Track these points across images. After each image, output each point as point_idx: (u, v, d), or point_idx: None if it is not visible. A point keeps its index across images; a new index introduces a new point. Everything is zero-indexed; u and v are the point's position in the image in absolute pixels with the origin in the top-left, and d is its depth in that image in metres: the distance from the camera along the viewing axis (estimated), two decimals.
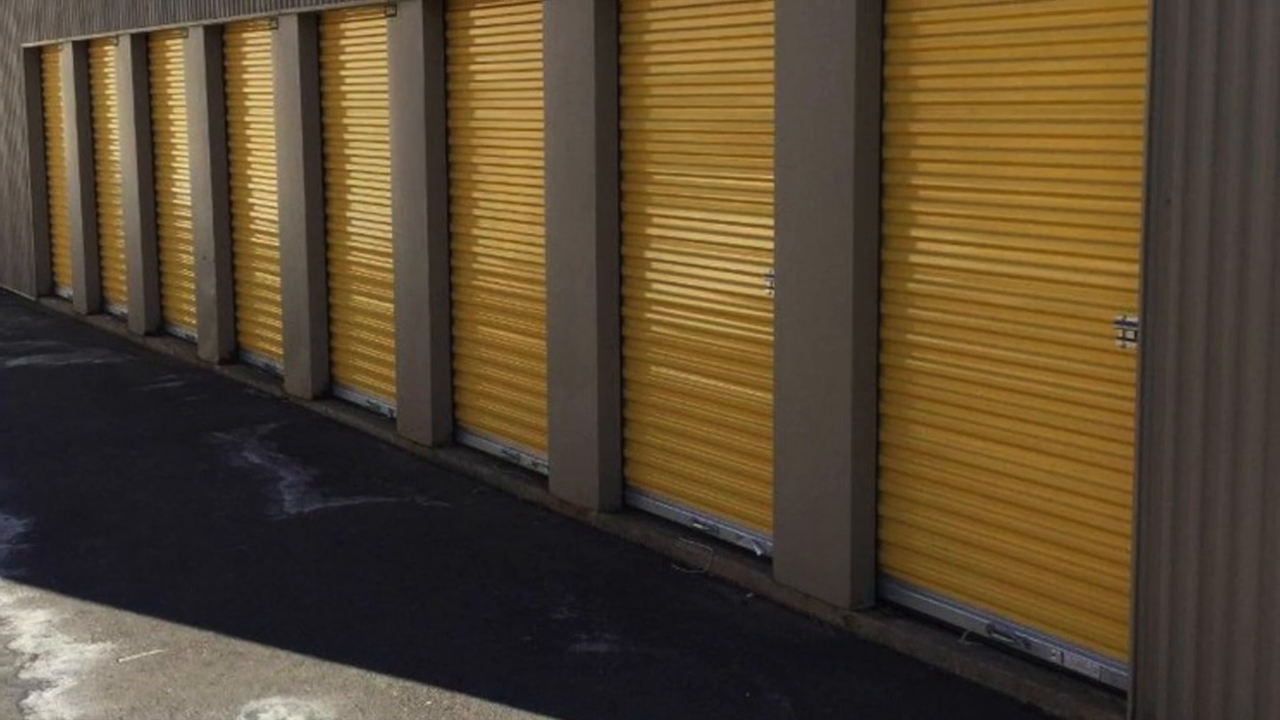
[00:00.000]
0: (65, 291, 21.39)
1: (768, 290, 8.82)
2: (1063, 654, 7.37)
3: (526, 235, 11.05)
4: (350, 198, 13.56)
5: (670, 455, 9.86)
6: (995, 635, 7.70)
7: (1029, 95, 7.29)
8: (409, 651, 7.99)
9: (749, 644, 8.08)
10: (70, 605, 8.70)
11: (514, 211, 11.20)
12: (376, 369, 13.40)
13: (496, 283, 11.49)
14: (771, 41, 8.54)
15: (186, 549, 9.79)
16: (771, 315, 8.74)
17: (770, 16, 8.57)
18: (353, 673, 7.71)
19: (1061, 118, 7.13)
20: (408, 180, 12.12)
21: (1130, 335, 6.85)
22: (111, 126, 18.95)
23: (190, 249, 16.97)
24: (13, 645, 8.10)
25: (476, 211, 11.66)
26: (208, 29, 15.59)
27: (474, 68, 11.53)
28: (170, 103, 17.23)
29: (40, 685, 7.59)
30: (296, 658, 7.91)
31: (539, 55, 10.55)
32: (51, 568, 9.40)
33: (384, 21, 12.35)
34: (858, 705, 7.33)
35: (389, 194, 12.66)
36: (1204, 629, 6.43)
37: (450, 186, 11.95)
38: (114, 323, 19.23)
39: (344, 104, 13.47)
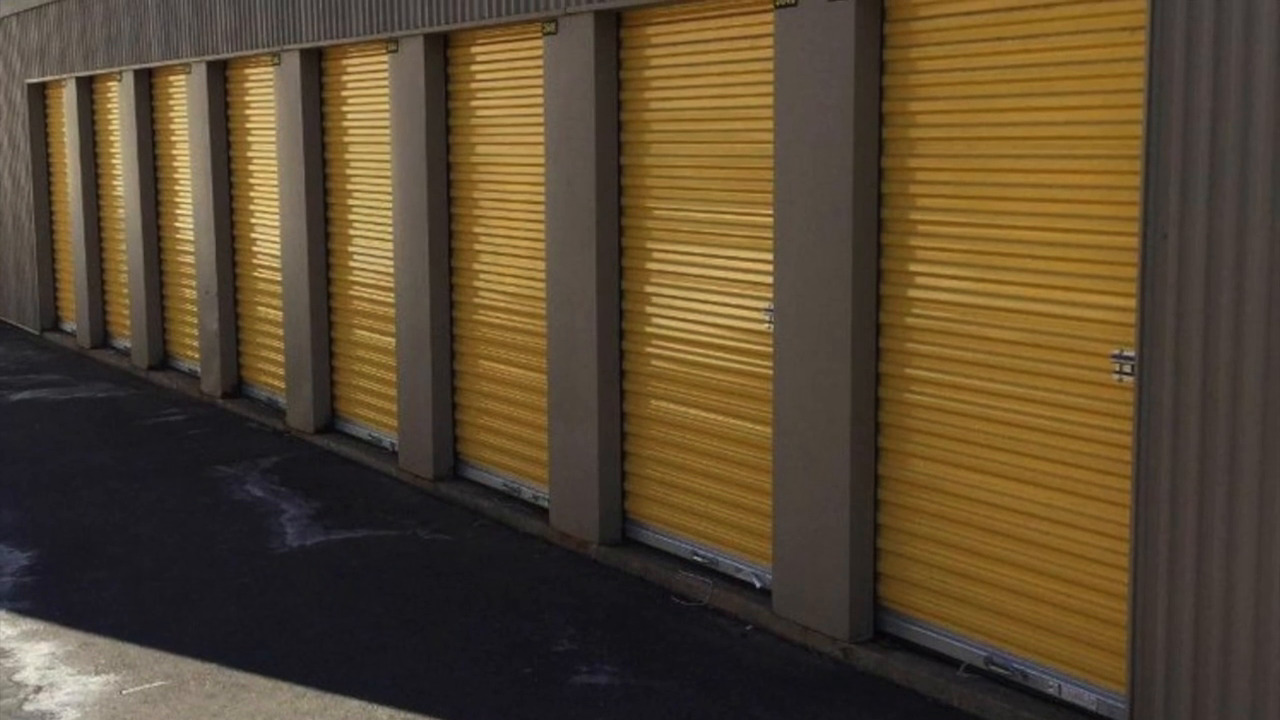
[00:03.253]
0: (69, 326, 21.45)
1: (767, 324, 8.87)
2: (1060, 686, 7.40)
3: (527, 270, 11.11)
4: (352, 232, 13.63)
5: (670, 488, 9.89)
6: (993, 667, 7.73)
7: (1027, 131, 7.34)
8: (410, 683, 8.02)
9: (748, 676, 8.11)
10: (74, 637, 8.73)
11: (515, 246, 11.25)
12: (378, 403, 13.44)
13: (497, 317, 11.54)
14: (771, 77, 8.61)
15: (189, 582, 9.82)
16: (770, 349, 8.78)
17: (769, 53, 8.64)
18: (354, 705, 7.73)
19: (1059, 153, 7.18)
20: (409, 215, 12.18)
21: (1127, 369, 6.90)
22: (115, 162, 19.03)
23: (193, 283, 17.03)
24: (17, 677, 8.13)
25: (478, 246, 11.71)
26: (210, 65, 15.68)
27: (475, 103, 11.60)
28: (173, 138, 17.32)
29: (44, 717, 7.61)
30: (299, 689, 7.93)
31: (540, 91, 10.63)
32: (55, 600, 9.43)
33: (385, 57, 12.43)
34: None
35: (390, 229, 12.72)
36: (1200, 661, 6.46)
37: (451, 221, 12.01)
38: (117, 357, 19.27)
39: (346, 139, 13.54)
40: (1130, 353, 6.86)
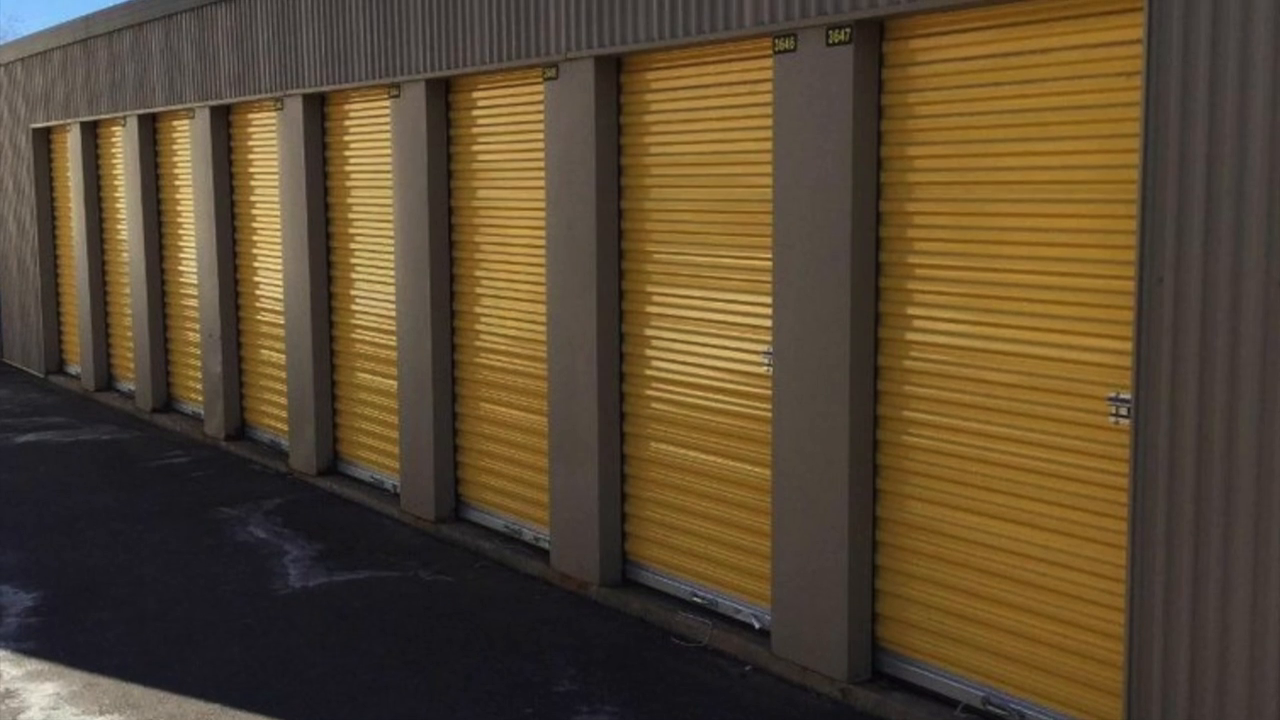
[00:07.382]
0: (73, 369, 21.50)
1: (766, 367, 8.92)
2: None
3: (528, 313, 11.17)
4: (354, 276, 13.69)
5: (670, 530, 9.93)
6: (990, 708, 7.75)
7: (1024, 175, 7.40)
8: None
9: (748, 716, 8.12)
10: (78, 678, 8.75)
11: (516, 290, 11.32)
12: (380, 445, 13.49)
13: (498, 360, 11.59)
14: (770, 122, 8.68)
15: (193, 622, 9.85)
16: (770, 392, 8.83)
17: (768, 98, 8.71)
18: None
19: (1056, 197, 7.24)
20: (411, 258, 12.25)
21: (1123, 411, 6.94)
22: (119, 205, 19.12)
23: (197, 327, 17.09)
24: (22, 718, 8.14)
25: (479, 289, 11.77)
26: (214, 109, 15.78)
27: (476, 147, 11.68)
28: (177, 182, 17.40)
29: None
30: None
31: (540, 135, 10.71)
32: (60, 641, 9.45)
33: (387, 102, 12.51)
34: None
35: (392, 272, 12.79)
36: (1196, 702, 6.48)
37: (453, 265, 12.08)
38: (121, 399, 19.32)
39: (348, 183, 13.62)
40: (1126, 395, 6.91)
